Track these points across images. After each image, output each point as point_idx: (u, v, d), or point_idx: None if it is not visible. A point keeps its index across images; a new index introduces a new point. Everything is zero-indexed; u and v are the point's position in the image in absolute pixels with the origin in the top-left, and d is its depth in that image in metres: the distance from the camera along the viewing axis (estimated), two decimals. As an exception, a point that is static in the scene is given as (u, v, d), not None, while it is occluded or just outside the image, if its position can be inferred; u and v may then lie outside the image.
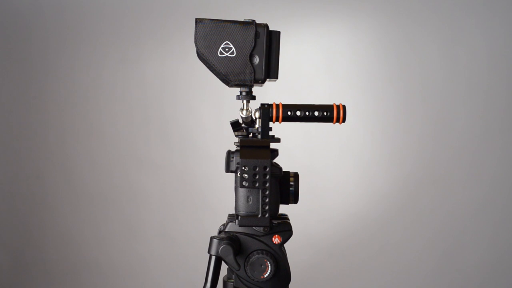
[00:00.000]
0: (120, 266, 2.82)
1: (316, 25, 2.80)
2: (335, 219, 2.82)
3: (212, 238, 1.14)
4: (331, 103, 1.19)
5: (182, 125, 2.85)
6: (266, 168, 1.11)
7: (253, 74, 1.15)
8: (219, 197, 2.51)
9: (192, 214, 2.82)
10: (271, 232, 1.16)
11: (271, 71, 1.17)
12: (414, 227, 2.79)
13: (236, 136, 1.21)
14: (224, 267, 1.17)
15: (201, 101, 2.82)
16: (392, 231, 2.80)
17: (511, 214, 2.74)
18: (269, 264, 1.13)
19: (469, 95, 2.76)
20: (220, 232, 1.24)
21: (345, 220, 2.82)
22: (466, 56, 2.74)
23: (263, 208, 1.13)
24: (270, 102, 1.19)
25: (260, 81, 1.16)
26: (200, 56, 1.16)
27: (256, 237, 1.16)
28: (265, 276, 1.13)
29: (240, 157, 1.11)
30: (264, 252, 1.14)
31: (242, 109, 1.18)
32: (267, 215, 1.13)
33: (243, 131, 1.20)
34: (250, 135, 1.21)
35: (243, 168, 1.11)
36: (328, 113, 1.18)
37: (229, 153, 1.17)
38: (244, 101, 1.19)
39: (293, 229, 1.19)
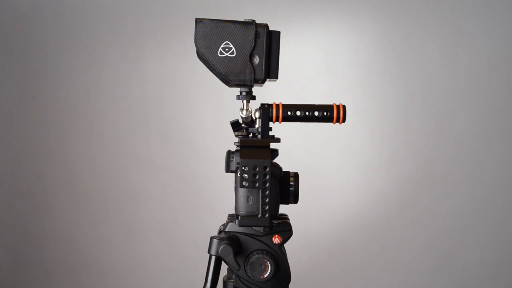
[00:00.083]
0: (120, 266, 2.82)
1: (316, 25, 2.80)
2: (335, 219, 2.82)
3: (212, 238, 1.14)
4: (331, 103, 1.19)
5: (182, 125, 2.85)
6: (266, 168, 1.11)
7: (253, 74, 1.15)
8: (219, 197, 2.51)
9: (192, 214, 2.82)
10: (271, 232, 1.16)
11: (271, 71, 1.17)
12: (414, 227, 2.79)
13: (236, 136, 1.21)
14: (224, 267, 1.17)
15: (201, 101, 2.82)
16: (392, 231, 2.80)
17: (511, 214, 2.74)
18: (269, 264, 1.13)
19: (469, 95, 2.76)
20: (220, 232, 1.24)
21: (345, 220, 2.82)
22: (466, 56, 2.74)
23: (263, 208, 1.13)
24: (270, 102, 1.19)
25: (260, 81, 1.16)
26: (200, 56, 1.16)
27: (256, 237, 1.16)
28: (265, 276, 1.13)
29: (240, 157, 1.11)
30: (264, 252, 1.14)
31: (242, 109, 1.18)
32: (267, 215, 1.13)
33: (243, 131, 1.20)
34: (250, 135, 1.21)
35: (243, 168, 1.11)
36: (328, 113, 1.18)
37: (229, 153, 1.17)
38: (244, 101, 1.19)
39: (293, 229, 1.19)
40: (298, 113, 1.18)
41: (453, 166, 2.78)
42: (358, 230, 2.81)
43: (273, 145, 1.20)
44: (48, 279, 2.82)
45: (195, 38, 1.15)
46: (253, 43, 1.14)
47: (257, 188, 1.12)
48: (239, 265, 1.12)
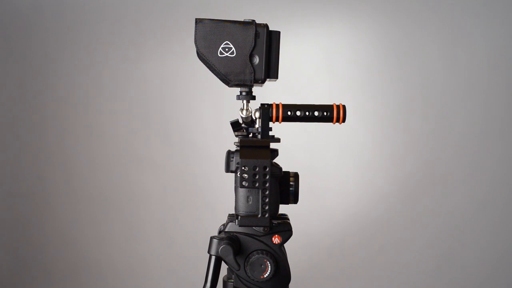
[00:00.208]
0: (120, 266, 2.82)
1: (316, 25, 2.80)
2: (335, 219, 2.82)
3: (212, 238, 1.14)
4: (331, 103, 1.19)
5: (182, 125, 2.85)
6: (266, 168, 1.11)
7: (253, 74, 1.15)
8: (219, 197, 2.51)
9: (192, 214, 2.82)
10: (271, 232, 1.16)
11: (271, 71, 1.17)
12: (414, 227, 2.79)
13: (236, 136, 1.21)
14: (224, 267, 1.17)
15: (201, 101, 2.82)
16: (392, 231, 2.80)
17: (511, 214, 2.74)
18: (269, 264, 1.13)
19: (469, 95, 2.76)
20: (220, 232, 1.24)
21: (345, 220, 2.82)
22: (466, 56, 2.74)
23: (263, 208, 1.13)
24: (270, 102, 1.19)
25: (260, 81, 1.16)
26: (200, 56, 1.16)
27: (256, 237, 1.16)
28: (265, 276, 1.13)
29: (240, 157, 1.11)
30: (264, 252, 1.14)
31: (242, 109, 1.18)
32: (267, 215, 1.13)
33: (243, 131, 1.20)
34: (250, 135, 1.21)
35: (243, 168, 1.11)
36: (328, 113, 1.18)
37: (229, 153, 1.17)
38: (244, 101, 1.19)
39: (293, 229, 1.19)
40: (298, 113, 1.18)
41: (453, 166, 2.78)
42: (358, 230, 2.81)
43: (273, 145, 1.20)
44: (48, 279, 2.82)
45: (195, 38, 1.15)
46: (253, 43, 1.14)
47: (257, 188, 1.12)
48: (239, 265, 1.12)
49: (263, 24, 1.15)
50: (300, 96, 2.62)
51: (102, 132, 2.84)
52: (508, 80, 2.73)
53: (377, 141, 2.81)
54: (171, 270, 2.81)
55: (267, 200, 1.12)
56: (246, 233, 1.16)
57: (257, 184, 1.11)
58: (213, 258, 1.14)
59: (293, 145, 2.74)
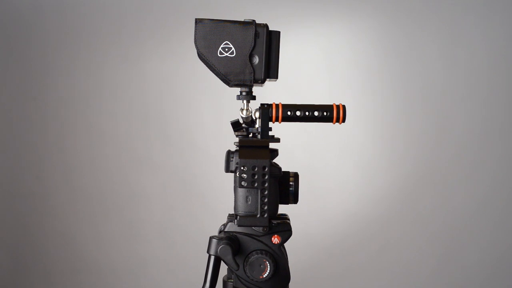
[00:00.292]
0: (120, 266, 2.82)
1: (316, 25, 2.80)
2: (335, 219, 2.82)
3: (211, 238, 1.14)
4: (331, 103, 1.19)
5: (182, 125, 2.84)
6: (265, 168, 1.11)
7: (252, 74, 1.15)
8: (219, 197, 2.51)
9: (192, 214, 2.82)
10: (271, 232, 1.16)
11: (270, 71, 1.17)
12: (414, 227, 2.79)
13: (236, 136, 1.21)
14: (224, 267, 1.17)
15: (201, 101, 2.82)
16: (392, 231, 2.80)
17: (511, 214, 2.74)
18: (268, 264, 1.13)
19: (469, 95, 2.76)
20: (220, 232, 1.24)
21: (345, 220, 2.82)
22: (466, 56, 2.74)
23: (261, 208, 1.13)
24: (270, 102, 1.19)
25: (259, 81, 1.16)
26: (200, 56, 1.16)
27: (256, 237, 1.16)
28: (264, 276, 1.13)
29: (239, 157, 1.11)
30: (263, 252, 1.14)
31: (242, 109, 1.18)
32: (266, 215, 1.13)
33: (243, 131, 1.20)
34: (250, 135, 1.21)
35: (242, 168, 1.11)
36: (328, 113, 1.18)
37: (229, 153, 1.17)
38: (244, 101, 1.18)
39: (293, 229, 1.19)
40: (298, 113, 1.18)
41: (453, 166, 2.78)
42: (358, 230, 2.81)
43: (273, 145, 1.20)
44: (48, 279, 2.82)
45: (195, 38, 1.15)
46: (253, 43, 1.14)
47: (256, 188, 1.12)
48: (238, 265, 1.12)
49: (263, 24, 1.15)
50: (300, 96, 2.62)
51: (102, 132, 2.84)
52: (508, 80, 2.73)
53: (377, 141, 2.81)
54: (171, 270, 2.81)
55: (266, 200, 1.12)
56: (246, 233, 1.16)
57: (256, 184, 1.11)
58: (212, 258, 1.14)
59: (293, 145, 2.74)
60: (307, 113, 1.18)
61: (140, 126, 2.84)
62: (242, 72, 1.15)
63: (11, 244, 2.84)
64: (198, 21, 1.15)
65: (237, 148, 1.17)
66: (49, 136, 2.84)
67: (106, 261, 2.83)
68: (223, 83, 1.20)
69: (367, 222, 2.80)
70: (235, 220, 1.16)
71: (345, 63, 2.81)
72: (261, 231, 1.15)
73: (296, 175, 1.21)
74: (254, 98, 1.20)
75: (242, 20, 1.15)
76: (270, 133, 1.19)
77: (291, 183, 1.20)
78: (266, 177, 1.11)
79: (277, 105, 1.18)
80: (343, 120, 1.18)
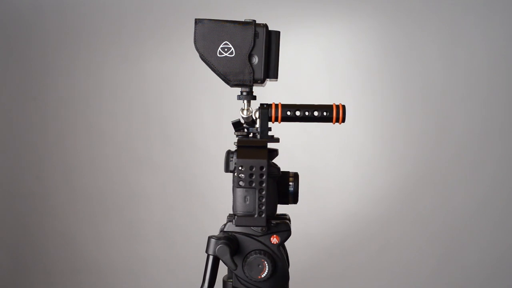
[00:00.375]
0: (120, 266, 2.82)
1: (316, 25, 2.80)
2: (335, 219, 2.81)
3: (209, 237, 1.14)
4: (331, 103, 1.19)
5: (182, 125, 2.84)
6: (263, 168, 1.10)
7: (252, 74, 1.15)
8: (219, 197, 2.51)
9: (192, 214, 2.82)
10: (269, 232, 1.16)
11: (270, 71, 1.17)
12: (414, 227, 2.79)
13: (236, 136, 1.21)
14: (225, 267, 1.17)
15: (201, 101, 2.82)
16: (392, 231, 2.80)
17: (511, 214, 2.74)
18: (266, 264, 1.13)
19: (469, 95, 2.76)
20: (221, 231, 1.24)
21: (345, 220, 2.81)
22: (466, 56, 2.74)
23: (259, 208, 1.12)
24: (270, 102, 1.19)
25: (259, 81, 1.16)
26: (201, 56, 1.16)
27: (255, 237, 1.16)
28: (262, 276, 1.13)
29: (237, 157, 1.11)
30: (262, 252, 1.14)
31: (242, 109, 1.18)
32: (263, 215, 1.13)
33: (243, 131, 1.20)
34: (251, 135, 1.21)
35: (239, 168, 1.10)
36: (328, 113, 1.17)
37: (229, 153, 1.17)
38: (245, 101, 1.18)
39: (293, 229, 1.19)
40: (297, 113, 1.18)
41: (453, 166, 2.78)
42: (358, 230, 2.81)
43: (273, 145, 1.20)
44: (48, 279, 2.82)
45: (195, 39, 1.15)
46: (252, 43, 1.14)
47: (254, 188, 1.12)
48: (236, 265, 1.12)
49: (262, 24, 1.15)
50: (300, 96, 2.62)
51: (102, 132, 2.84)
52: (508, 80, 2.73)
53: (377, 141, 2.81)
54: (171, 270, 2.81)
55: (263, 200, 1.12)
56: (245, 233, 1.16)
57: (253, 184, 1.11)
58: (210, 257, 1.14)
59: (293, 145, 2.74)
60: (306, 113, 1.18)
61: (140, 126, 2.84)
62: (241, 72, 1.15)
63: (11, 244, 2.84)
64: (197, 21, 1.15)
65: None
66: (49, 136, 2.84)
67: (106, 261, 2.83)
68: (223, 83, 1.20)
69: (367, 222, 2.80)
70: (234, 220, 1.16)
71: (345, 63, 2.81)
72: (260, 231, 1.15)
73: (295, 175, 1.21)
74: (254, 98, 1.19)
75: (243, 20, 1.15)
76: (270, 133, 1.19)
77: (290, 183, 1.19)
78: (264, 177, 1.11)
79: (276, 105, 1.18)
80: (343, 120, 1.18)
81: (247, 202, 1.13)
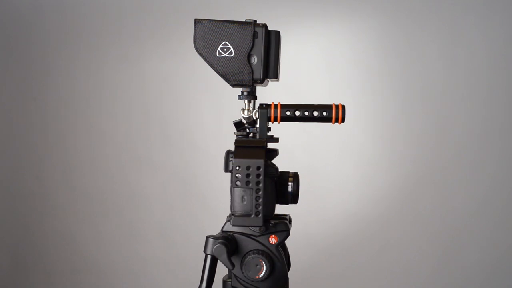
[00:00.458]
0: (120, 266, 2.82)
1: (316, 25, 2.80)
2: (335, 219, 2.81)
3: (207, 237, 1.14)
4: (331, 103, 1.19)
5: (182, 125, 2.84)
6: (260, 168, 1.10)
7: (251, 74, 1.15)
8: (219, 197, 2.50)
9: (192, 214, 2.82)
10: (268, 232, 1.16)
11: (269, 71, 1.16)
12: (414, 227, 2.78)
13: (236, 136, 1.21)
14: (224, 267, 1.17)
15: (201, 101, 2.82)
16: (392, 231, 2.80)
17: (511, 214, 2.74)
18: (264, 264, 1.13)
19: (469, 95, 2.75)
20: (221, 232, 1.24)
21: (345, 220, 2.81)
22: (466, 56, 2.74)
23: (256, 208, 1.12)
24: (270, 102, 1.19)
25: (258, 81, 1.15)
26: (200, 56, 1.16)
27: (253, 237, 1.16)
28: (260, 276, 1.13)
29: (234, 157, 1.11)
30: (260, 252, 1.14)
31: (243, 109, 1.18)
32: (260, 215, 1.12)
33: (243, 131, 1.20)
34: (251, 135, 1.21)
35: (236, 167, 1.10)
36: (327, 113, 1.17)
37: (228, 152, 1.17)
38: (246, 101, 1.18)
39: (293, 229, 1.19)
40: (296, 113, 1.17)
41: (453, 166, 2.78)
42: (358, 230, 2.81)
43: (273, 145, 1.20)
44: (48, 279, 2.82)
45: (194, 39, 1.15)
46: (251, 43, 1.14)
47: (250, 188, 1.12)
48: (233, 265, 1.12)
49: (262, 24, 1.15)
50: (300, 96, 2.62)
51: (102, 132, 2.84)
52: (508, 80, 2.73)
53: (377, 141, 2.80)
54: (171, 270, 2.81)
55: (260, 200, 1.11)
56: (243, 233, 1.16)
57: (250, 184, 1.10)
58: (208, 257, 1.14)
59: (293, 145, 2.74)
60: (306, 113, 1.17)
61: (140, 126, 2.84)
62: (240, 72, 1.15)
63: (11, 244, 2.84)
64: (197, 22, 1.15)
65: (236, 148, 1.17)
66: (49, 136, 2.84)
67: (106, 261, 2.83)
68: (223, 83, 1.20)
69: (367, 222, 2.80)
70: (231, 220, 1.16)
71: (345, 63, 2.80)
72: (258, 231, 1.15)
73: (295, 175, 1.20)
74: (255, 98, 1.19)
75: (244, 20, 1.15)
76: (270, 133, 1.19)
77: (290, 183, 1.19)
78: (261, 177, 1.10)
79: (275, 105, 1.18)
80: (343, 120, 1.17)
81: (245, 202, 1.12)
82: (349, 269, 2.78)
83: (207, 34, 1.14)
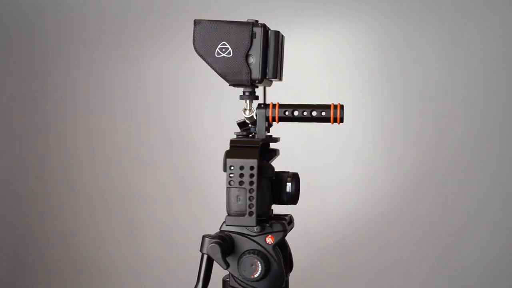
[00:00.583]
0: (120, 266, 2.82)
1: (316, 25, 2.80)
2: (335, 219, 2.81)
3: (204, 236, 1.14)
4: (330, 103, 1.18)
5: (181, 125, 2.84)
6: (253, 168, 1.10)
7: (249, 74, 1.15)
8: (219, 197, 2.49)
9: (192, 214, 2.82)
10: (265, 232, 1.15)
11: (268, 71, 1.16)
12: (414, 227, 2.78)
13: (236, 136, 1.21)
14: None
15: (201, 101, 2.82)
16: (393, 231, 2.79)
17: (511, 214, 2.74)
18: (259, 264, 1.12)
19: (469, 95, 2.75)
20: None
21: (345, 220, 2.81)
22: (466, 56, 2.74)
23: (249, 208, 1.12)
24: (269, 103, 1.19)
25: (257, 81, 1.15)
26: (200, 56, 1.16)
27: (250, 236, 1.16)
28: (255, 276, 1.12)
29: (227, 157, 1.11)
30: (255, 252, 1.13)
31: (245, 109, 1.18)
32: (253, 215, 1.12)
33: (246, 131, 1.20)
34: (251, 135, 1.21)
35: (230, 167, 1.10)
36: (326, 113, 1.17)
37: (228, 152, 1.17)
38: (247, 101, 1.18)
39: (293, 229, 1.19)
40: (295, 113, 1.17)
41: (453, 166, 2.78)
42: (358, 230, 2.80)
43: (273, 145, 1.20)
44: (47, 279, 2.82)
45: (194, 40, 1.15)
46: (249, 43, 1.14)
47: (244, 188, 1.11)
48: (227, 264, 1.11)
49: (260, 24, 1.14)
50: (300, 96, 2.61)
51: (102, 132, 2.84)
52: (508, 80, 2.73)
53: (377, 141, 2.80)
54: (171, 270, 2.81)
55: (253, 200, 1.11)
56: (241, 233, 1.16)
57: (244, 184, 1.10)
58: (205, 256, 1.14)
59: (293, 145, 2.74)
60: (304, 113, 1.17)
61: (140, 126, 2.84)
62: (239, 72, 1.15)
63: (11, 244, 2.84)
64: (196, 22, 1.15)
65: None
66: (49, 136, 2.84)
67: (106, 261, 2.83)
68: (223, 83, 1.20)
69: (367, 222, 2.80)
70: (225, 219, 1.16)
71: (345, 63, 2.80)
72: (255, 230, 1.15)
73: (294, 175, 1.20)
74: (257, 98, 1.19)
75: (245, 20, 1.15)
76: (270, 133, 1.19)
77: (288, 183, 1.19)
78: (254, 177, 1.10)
79: (273, 105, 1.17)
80: (341, 120, 1.16)
81: (239, 202, 1.12)
82: (349, 269, 2.78)
83: (206, 34, 1.14)
